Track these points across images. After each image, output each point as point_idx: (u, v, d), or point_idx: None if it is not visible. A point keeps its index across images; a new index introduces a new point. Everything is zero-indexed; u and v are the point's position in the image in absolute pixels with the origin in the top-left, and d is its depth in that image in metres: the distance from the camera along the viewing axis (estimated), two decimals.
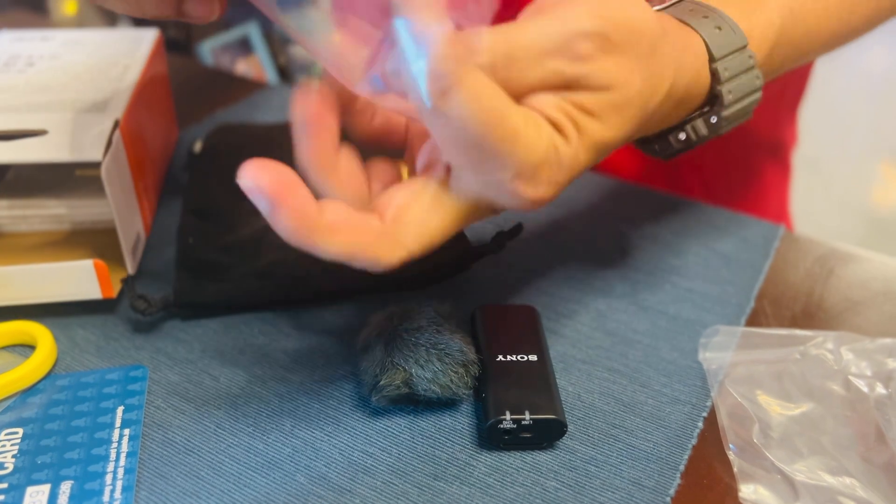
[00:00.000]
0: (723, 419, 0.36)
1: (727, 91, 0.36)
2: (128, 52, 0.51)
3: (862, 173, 1.97)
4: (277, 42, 2.33)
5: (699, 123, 0.37)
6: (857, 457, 0.35)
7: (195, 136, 0.56)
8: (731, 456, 0.35)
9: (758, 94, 0.37)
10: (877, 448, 0.35)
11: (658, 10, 0.37)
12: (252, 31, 2.21)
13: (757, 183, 0.67)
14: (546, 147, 0.28)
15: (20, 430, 0.34)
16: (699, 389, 0.38)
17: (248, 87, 0.66)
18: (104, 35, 0.54)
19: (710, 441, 0.36)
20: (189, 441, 0.35)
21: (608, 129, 0.30)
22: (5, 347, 0.39)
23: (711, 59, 0.35)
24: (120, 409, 0.36)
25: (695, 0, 0.37)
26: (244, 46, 2.21)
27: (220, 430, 0.35)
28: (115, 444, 0.34)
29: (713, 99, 0.36)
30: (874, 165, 2.00)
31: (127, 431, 0.34)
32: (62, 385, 0.37)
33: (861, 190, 1.91)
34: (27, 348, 0.39)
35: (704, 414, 0.37)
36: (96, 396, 0.36)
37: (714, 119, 0.36)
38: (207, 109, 0.62)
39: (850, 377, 0.38)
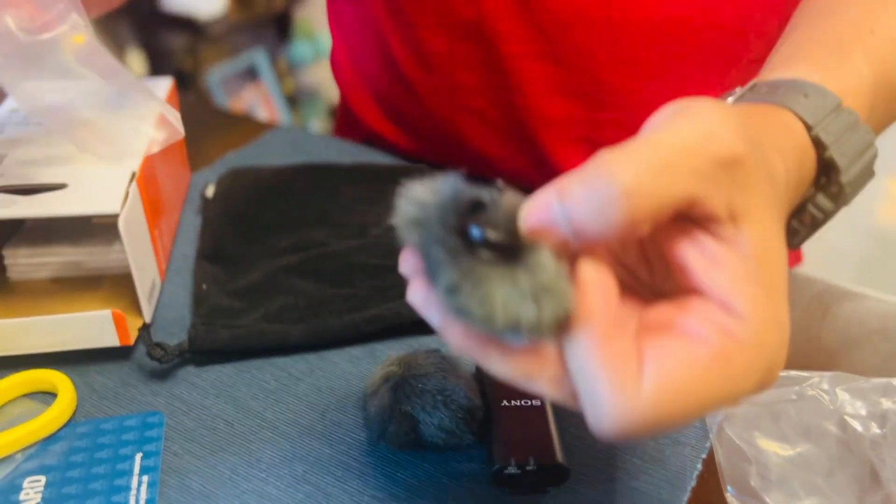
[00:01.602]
0: (721, 461, 0.37)
1: (839, 155, 0.33)
2: (143, 99, 0.52)
3: (868, 189, 1.98)
4: (284, 70, 2.36)
5: (820, 199, 0.34)
6: (853, 497, 0.36)
7: (207, 178, 0.58)
8: (729, 498, 0.36)
9: (873, 150, 0.35)
10: (872, 488, 0.36)
11: (734, 102, 0.35)
12: (259, 58, 2.24)
13: None
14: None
15: (43, 478, 0.36)
16: (698, 430, 0.39)
17: (258, 127, 0.68)
18: (120, 84, 0.55)
19: (709, 482, 0.37)
20: (205, 487, 0.36)
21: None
22: (27, 395, 0.41)
23: (809, 129, 0.33)
24: (138, 456, 0.37)
25: (769, 81, 0.35)
26: (251, 74, 2.24)
27: (234, 476, 0.36)
28: (133, 492, 0.35)
29: (826, 169, 0.34)
30: (881, 181, 2.01)
31: (145, 478, 0.36)
32: (82, 432, 0.38)
33: (867, 206, 1.92)
34: (48, 395, 0.41)
35: (703, 455, 0.38)
36: (115, 443, 0.38)
37: (834, 188, 0.34)
38: (218, 151, 0.63)
39: (846, 417, 0.39)
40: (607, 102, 0.55)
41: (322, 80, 2.42)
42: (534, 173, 0.59)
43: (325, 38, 2.26)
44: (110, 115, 0.51)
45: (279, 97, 2.29)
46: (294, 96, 2.39)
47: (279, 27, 2.36)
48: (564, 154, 0.58)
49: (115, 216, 0.41)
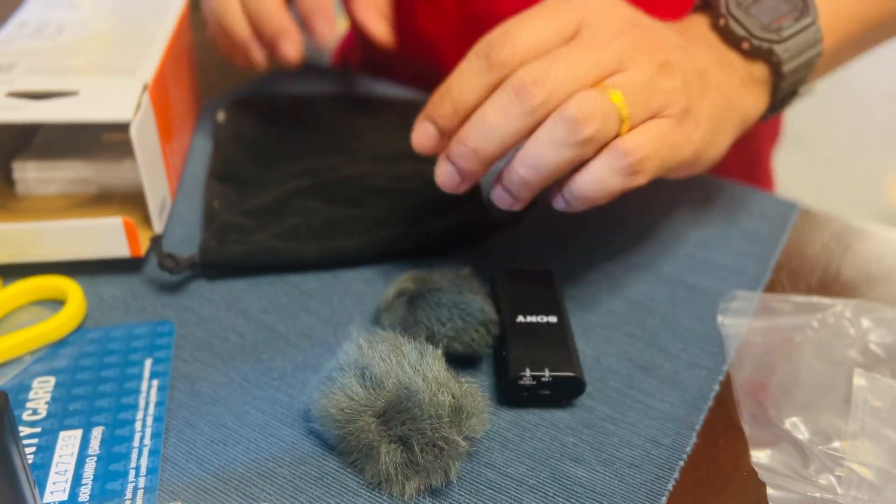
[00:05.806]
0: (738, 384, 0.37)
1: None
2: (155, 19, 0.51)
3: (879, 169, 1.96)
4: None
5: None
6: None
7: (217, 107, 0.57)
8: (745, 420, 0.35)
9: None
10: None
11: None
12: None
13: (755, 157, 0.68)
14: None
15: (52, 379, 0.35)
16: (716, 355, 0.38)
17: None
18: (132, 2, 0.54)
19: (727, 404, 0.36)
20: (216, 392, 0.35)
21: None
22: (36, 302, 0.40)
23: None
24: (148, 362, 0.36)
25: None
26: None
27: (245, 383, 0.36)
28: (143, 394, 0.35)
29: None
30: (892, 161, 1.99)
31: (155, 382, 0.35)
32: (92, 338, 0.38)
33: (877, 185, 1.90)
34: (57, 303, 0.40)
35: (721, 378, 0.37)
36: (125, 349, 0.37)
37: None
38: (229, 82, 0.62)
39: (870, 345, 0.38)
40: None
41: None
42: None
43: None
44: (124, 28, 0.50)
45: None
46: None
47: None
48: None
49: (127, 125, 0.40)
